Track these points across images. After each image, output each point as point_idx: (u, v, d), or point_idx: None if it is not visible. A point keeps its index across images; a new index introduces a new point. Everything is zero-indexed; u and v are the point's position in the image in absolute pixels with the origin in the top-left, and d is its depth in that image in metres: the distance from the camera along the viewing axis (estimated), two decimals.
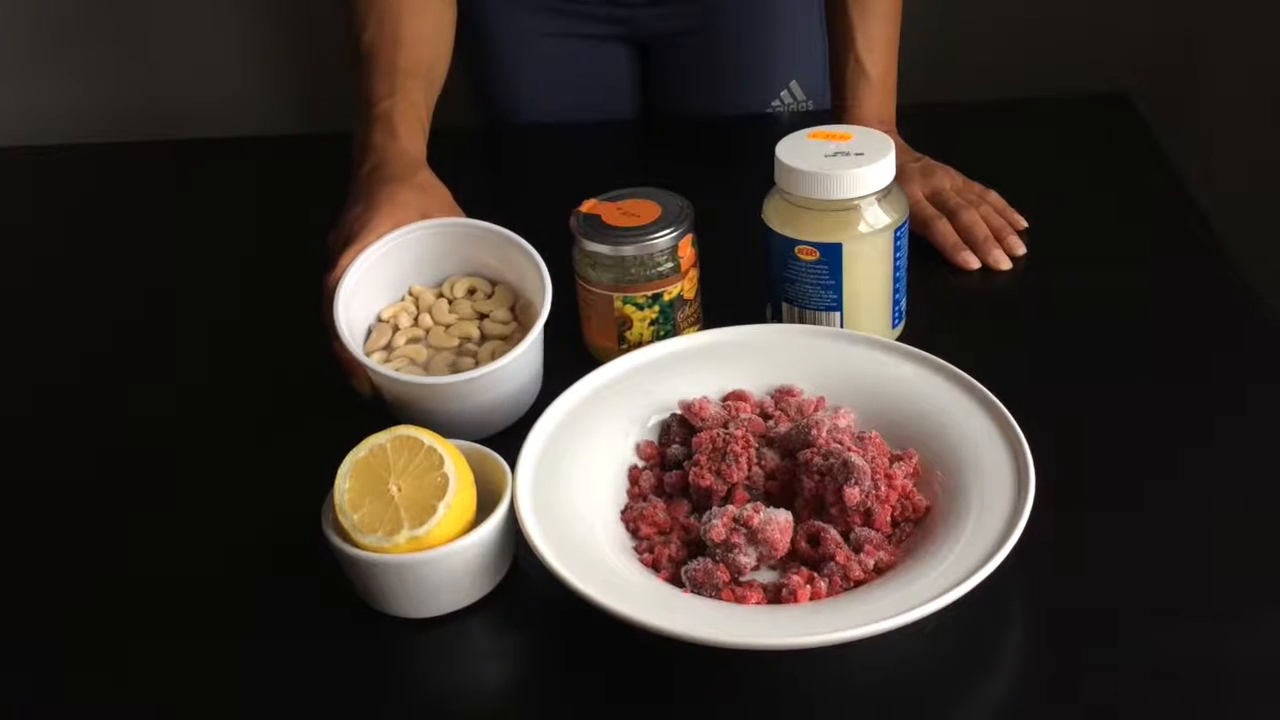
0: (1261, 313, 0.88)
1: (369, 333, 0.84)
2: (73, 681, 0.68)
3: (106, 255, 1.11)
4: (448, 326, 0.84)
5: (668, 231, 0.82)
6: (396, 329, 0.84)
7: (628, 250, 0.82)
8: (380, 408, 0.83)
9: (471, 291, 0.86)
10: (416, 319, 0.85)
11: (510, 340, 0.81)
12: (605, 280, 0.83)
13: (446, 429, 0.72)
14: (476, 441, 0.74)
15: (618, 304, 0.84)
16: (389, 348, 0.83)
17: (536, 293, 0.81)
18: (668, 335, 0.85)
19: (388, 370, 0.79)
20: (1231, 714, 0.61)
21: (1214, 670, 0.63)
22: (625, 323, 0.84)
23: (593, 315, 0.86)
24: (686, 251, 0.84)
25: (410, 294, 0.86)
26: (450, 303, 0.85)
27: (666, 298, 0.84)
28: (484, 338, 0.83)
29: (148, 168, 1.28)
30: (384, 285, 0.85)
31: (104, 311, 1.03)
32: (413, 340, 0.83)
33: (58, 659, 0.69)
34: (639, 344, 0.84)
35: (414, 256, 0.85)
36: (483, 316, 0.84)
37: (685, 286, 0.85)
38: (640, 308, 0.84)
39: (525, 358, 0.80)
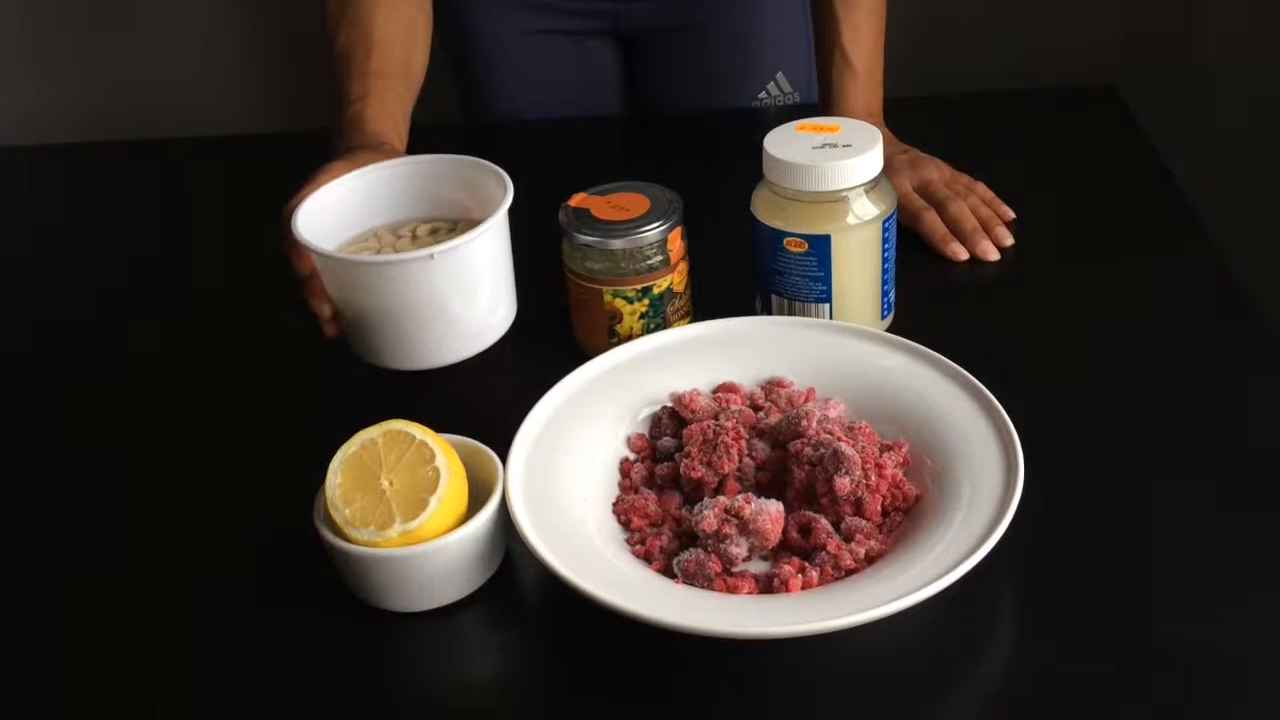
0: (1252, 304, 0.89)
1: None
2: (68, 680, 0.68)
3: (90, 255, 1.11)
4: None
5: (657, 224, 0.82)
6: None
7: (617, 244, 0.82)
8: (369, 406, 0.82)
9: (434, 232, 0.86)
10: (379, 252, 0.84)
11: None
12: (595, 274, 0.83)
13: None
14: (461, 434, 0.74)
15: (607, 298, 0.84)
16: None
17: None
18: (658, 328, 0.85)
19: (344, 255, 0.78)
20: (1229, 708, 0.61)
21: (1210, 663, 0.63)
22: (615, 316, 0.84)
23: (583, 309, 0.86)
24: (676, 244, 0.84)
25: (374, 236, 0.86)
26: (414, 239, 0.85)
27: (656, 291, 0.84)
28: None
29: (136, 168, 1.28)
30: (344, 229, 0.85)
31: (96, 311, 1.03)
32: None
33: (56, 652, 0.70)
34: (629, 337, 0.84)
35: (373, 201, 0.86)
36: None
37: (675, 279, 0.85)
38: (630, 301, 0.84)
39: (490, 248, 0.79)
